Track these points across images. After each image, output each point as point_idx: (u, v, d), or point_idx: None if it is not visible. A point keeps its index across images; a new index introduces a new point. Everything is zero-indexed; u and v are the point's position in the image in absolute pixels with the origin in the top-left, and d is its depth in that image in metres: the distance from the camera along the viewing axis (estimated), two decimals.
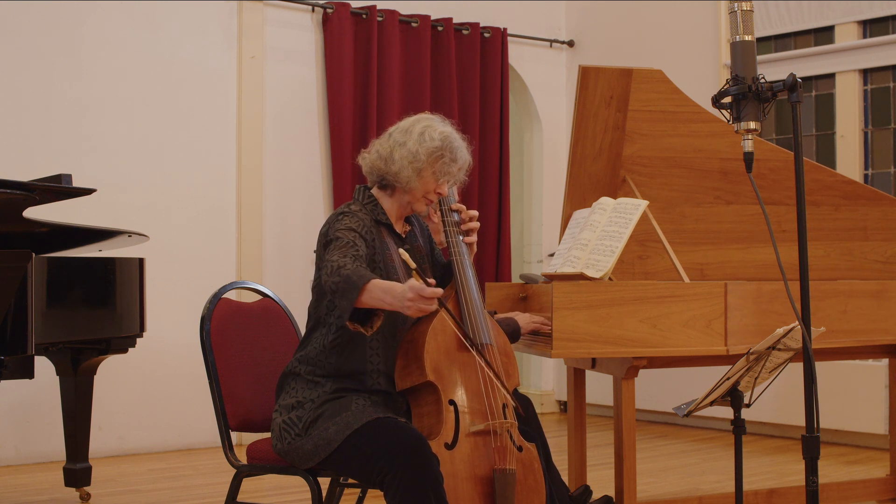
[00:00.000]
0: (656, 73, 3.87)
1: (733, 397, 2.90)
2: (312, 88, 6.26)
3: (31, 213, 3.71)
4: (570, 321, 3.25)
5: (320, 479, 2.89)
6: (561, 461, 3.50)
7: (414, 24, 6.53)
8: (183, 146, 5.83)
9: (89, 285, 3.87)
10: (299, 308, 3.45)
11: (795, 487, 3.96)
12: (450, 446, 2.73)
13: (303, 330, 3.09)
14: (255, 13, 6.04)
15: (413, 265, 2.49)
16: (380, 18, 6.37)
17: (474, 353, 2.79)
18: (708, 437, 6.09)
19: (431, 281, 2.51)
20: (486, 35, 6.83)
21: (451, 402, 2.78)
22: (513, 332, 3.26)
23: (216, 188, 5.91)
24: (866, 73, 5.96)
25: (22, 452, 5.32)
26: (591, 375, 4.34)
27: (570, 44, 7.37)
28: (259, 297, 3.37)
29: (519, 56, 7.15)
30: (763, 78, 2.62)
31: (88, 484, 4.21)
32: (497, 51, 6.86)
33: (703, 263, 4.17)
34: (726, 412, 2.95)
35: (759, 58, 3.11)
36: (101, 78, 5.59)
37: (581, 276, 3.36)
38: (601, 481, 4.24)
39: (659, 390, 6.21)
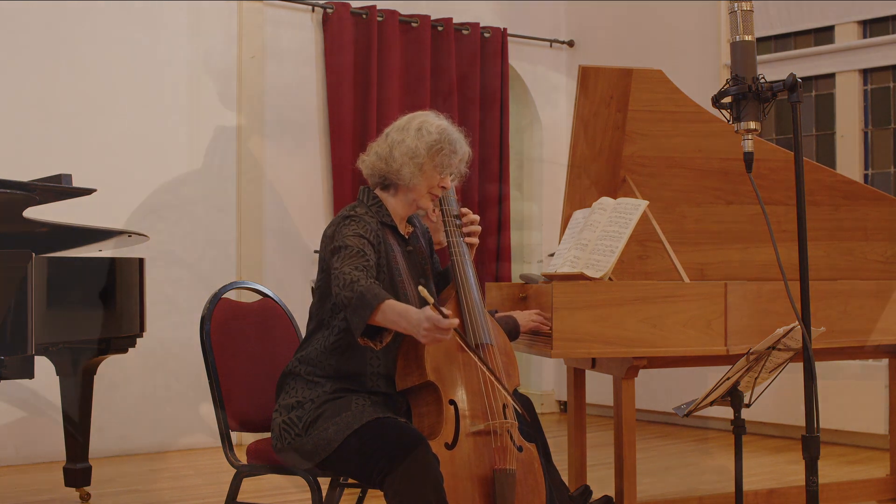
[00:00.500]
0: (656, 73, 3.87)
1: (733, 397, 2.90)
2: (312, 88, 6.26)
3: (31, 213, 3.71)
4: (570, 321, 3.25)
5: (320, 479, 2.89)
6: (561, 461, 3.50)
7: (414, 25, 6.53)
8: (182, 146, 5.82)
9: (89, 285, 3.87)
10: (299, 308, 3.45)
11: (795, 487, 3.96)
12: (450, 446, 2.73)
13: (303, 330, 3.09)
14: (255, 13, 6.04)
15: (431, 300, 2.51)
16: (380, 18, 6.37)
17: (476, 359, 2.79)
18: (708, 437, 6.09)
19: (448, 312, 2.54)
20: (486, 35, 6.83)
21: (452, 402, 2.78)
22: (512, 331, 3.26)
23: (216, 188, 5.90)
24: (866, 73, 5.96)
25: (22, 452, 5.32)
26: (591, 375, 4.34)
27: (570, 44, 7.37)
28: (259, 297, 3.37)
29: (519, 56, 7.15)
30: (763, 78, 2.62)
31: (88, 484, 4.21)
32: (497, 51, 6.86)
33: (703, 263, 4.17)
34: (726, 412, 2.95)
35: (759, 58, 3.11)
36: (101, 78, 5.59)
37: (581, 276, 3.36)
38: (601, 481, 4.24)
39: (659, 390, 6.21)
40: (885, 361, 5.32)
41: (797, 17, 6.18)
